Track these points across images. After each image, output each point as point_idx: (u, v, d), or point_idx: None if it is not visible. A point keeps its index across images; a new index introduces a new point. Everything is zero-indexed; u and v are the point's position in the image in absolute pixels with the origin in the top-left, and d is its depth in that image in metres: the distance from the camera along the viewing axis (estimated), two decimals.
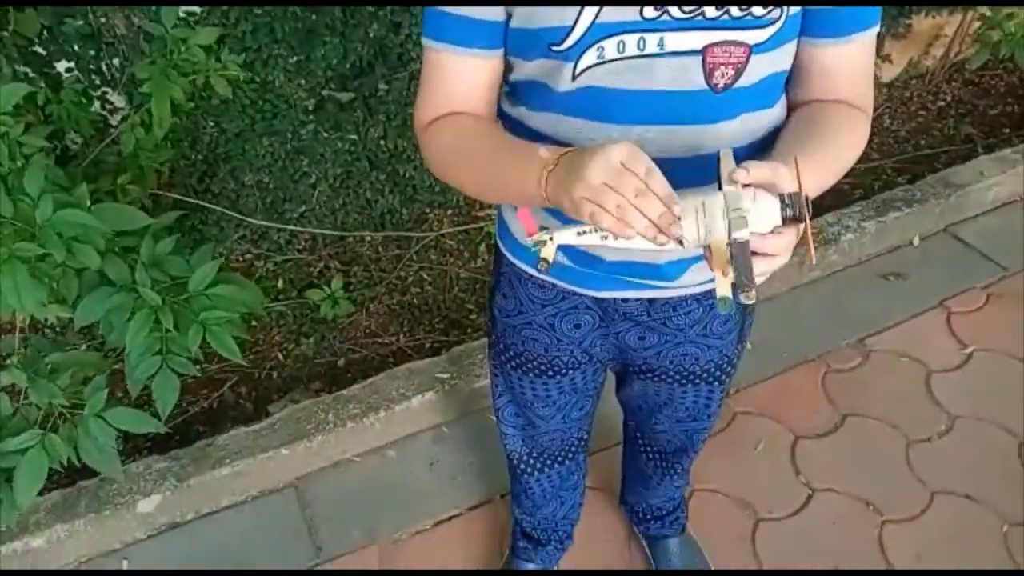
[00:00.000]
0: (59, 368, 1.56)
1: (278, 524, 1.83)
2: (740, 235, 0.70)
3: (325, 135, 2.30)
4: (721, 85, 0.87)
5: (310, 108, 2.24)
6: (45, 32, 1.92)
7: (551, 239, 0.79)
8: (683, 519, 1.69)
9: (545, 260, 0.80)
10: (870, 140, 3.19)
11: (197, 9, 1.98)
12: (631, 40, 0.85)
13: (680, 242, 0.74)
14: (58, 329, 2.06)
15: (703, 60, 0.86)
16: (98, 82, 2.06)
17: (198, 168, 2.29)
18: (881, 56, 3.15)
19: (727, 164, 0.74)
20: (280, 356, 2.21)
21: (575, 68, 0.88)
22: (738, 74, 0.87)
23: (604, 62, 0.87)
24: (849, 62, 0.94)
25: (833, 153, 0.89)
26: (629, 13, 0.84)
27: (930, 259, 2.48)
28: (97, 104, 2.09)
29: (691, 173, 0.92)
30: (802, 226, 0.73)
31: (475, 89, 0.97)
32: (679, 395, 1.28)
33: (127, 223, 1.54)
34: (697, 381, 1.25)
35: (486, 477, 1.90)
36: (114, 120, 2.10)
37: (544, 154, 0.83)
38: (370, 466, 1.94)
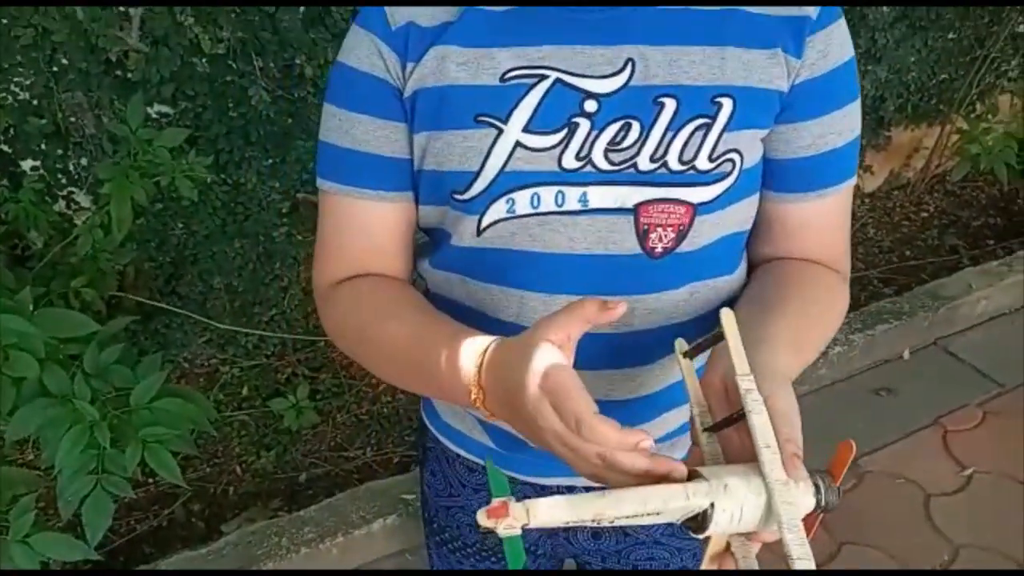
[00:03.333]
0: None
1: None
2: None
3: (299, 238, 2.24)
4: (660, 250, 0.73)
5: (283, 211, 2.19)
6: (11, 130, 1.88)
7: (526, 524, 0.51)
8: None
9: (492, 531, 0.52)
10: (854, 249, 3.14)
11: (169, 109, 1.95)
12: (547, 193, 0.71)
13: (694, 528, 0.56)
14: None
15: (636, 220, 0.72)
16: (64, 181, 2.01)
17: (164, 270, 2.21)
18: (862, 167, 3.17)
19: (758, 413, 0.56)
20: (239, 470, 2.07)
21: (480, 222, 0.74)
22: (680, 237, 0.73)
23: (515, 217, 0.72)
24: (823, 220, 0.79)
25: (814, 334, 0.72)
26: (544, 163, 0.70)
27: (922, 374, 2.40)
28: (62, 203, 2.03)
29: (620, 351, 0.79)
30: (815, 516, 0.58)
31: (383, 242, 0.80)
32: None
33: (72, 329, 1.46)
34: None
35: None
36: (79, 220, 2.04)
37: (468, 369, 0.63)
38: None
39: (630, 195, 0.71)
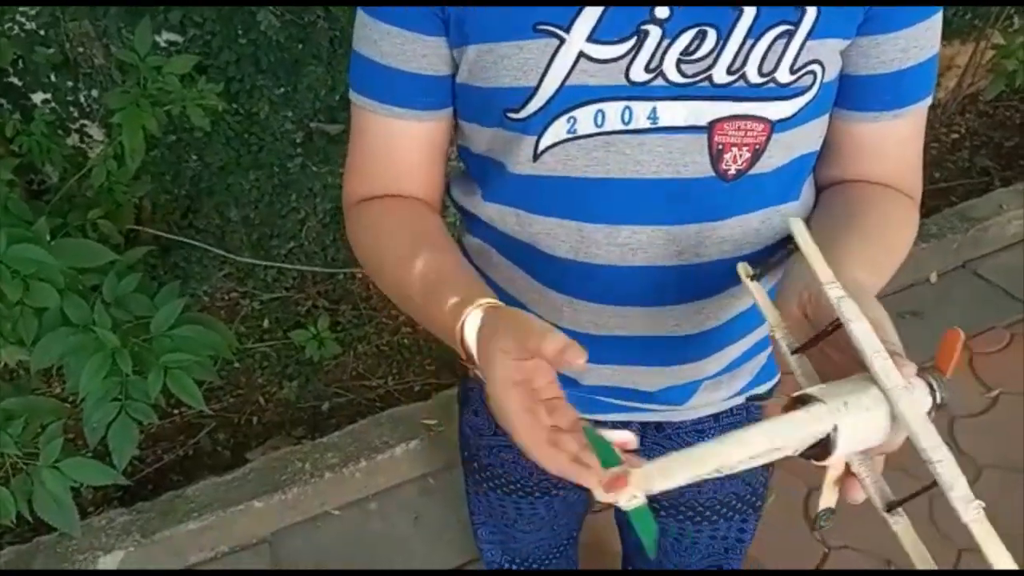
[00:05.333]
0: (13, 415, 1.46)
1: None
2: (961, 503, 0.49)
3: (314, 169, 2.22)
4: (733, 171, 0.68)
5: (297, 141, 2.16)
6: (19, 61, 1.85)
7: (650, 491, 0.46)
8: None
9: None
10: None
11: (178, 38, 1.91)
12: (612, 110, 0.65)
13: (817, 455, 0.51)
14: (21, 373, 1.96)
15: (709, 139, 0.66)
16: (76, 114, 1.99)
17: (181, 203, 2.20)
18: None
19: (849, 310, 0.50)
20: (262, 400, 2.10)
21: (537, 144, 0.68)
22: (755, 157, 0.67)
23: (576, 137, 0.67)
24: (899, 141, 0.74)
25: (888, 258, 0.68)
26: (610, 75, 0.64)
27: (949, 296, 2.36)
28: (76, 136, 2.02)
29: (688, 284, 0.74)
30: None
31: (412, 158, 0.76)
32: (693, 534, 1.03)
33: (90, 259, 1.46)
34: (715, 519, 1.00)
35: None
36: (93, 154, 2.03)
37: (455, 324, 0.60)
38: (350, 520, 1.81)
39: (704, 111, 0.65)
